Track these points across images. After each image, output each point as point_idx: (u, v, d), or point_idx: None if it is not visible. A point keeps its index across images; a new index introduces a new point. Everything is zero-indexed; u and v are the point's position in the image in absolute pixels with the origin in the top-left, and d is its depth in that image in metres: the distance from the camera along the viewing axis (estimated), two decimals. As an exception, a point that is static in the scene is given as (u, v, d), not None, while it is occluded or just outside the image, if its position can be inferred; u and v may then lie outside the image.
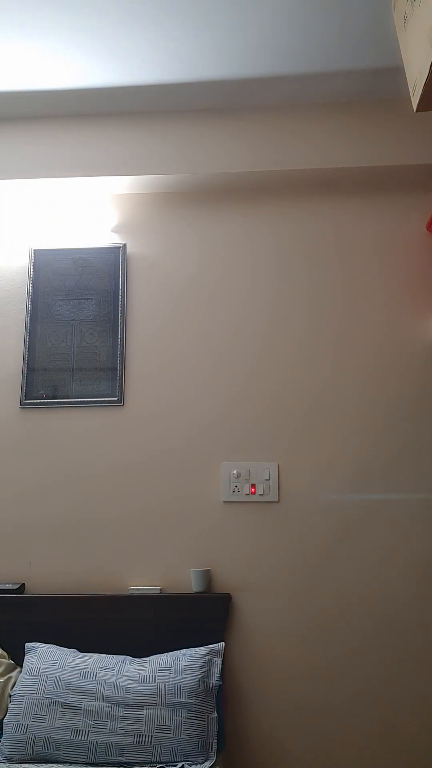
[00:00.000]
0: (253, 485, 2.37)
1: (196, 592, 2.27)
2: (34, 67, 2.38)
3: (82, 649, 2.17)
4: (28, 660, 2.12)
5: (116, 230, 2.67)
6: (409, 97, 1.69)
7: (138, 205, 2.69)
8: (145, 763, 1.87)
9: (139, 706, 1.94)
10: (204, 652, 2.09)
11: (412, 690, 2.19)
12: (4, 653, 2.21)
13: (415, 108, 1.64)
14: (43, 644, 2.17)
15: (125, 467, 2.43)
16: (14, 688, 2.06)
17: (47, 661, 2.08)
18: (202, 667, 2.04)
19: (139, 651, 2.15)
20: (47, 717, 1.94)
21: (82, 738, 1.90)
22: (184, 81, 2.45)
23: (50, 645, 2.17)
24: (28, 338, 2.57)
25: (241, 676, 2.23)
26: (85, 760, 1.88)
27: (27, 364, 2.54)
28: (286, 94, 2.53)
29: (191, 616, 2.23)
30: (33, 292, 2.62)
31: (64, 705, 1.95)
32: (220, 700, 2.05)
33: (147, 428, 2.46)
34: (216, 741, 1.94)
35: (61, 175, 2.57)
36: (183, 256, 2.62)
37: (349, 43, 2.28)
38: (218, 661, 2.09)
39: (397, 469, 2.36)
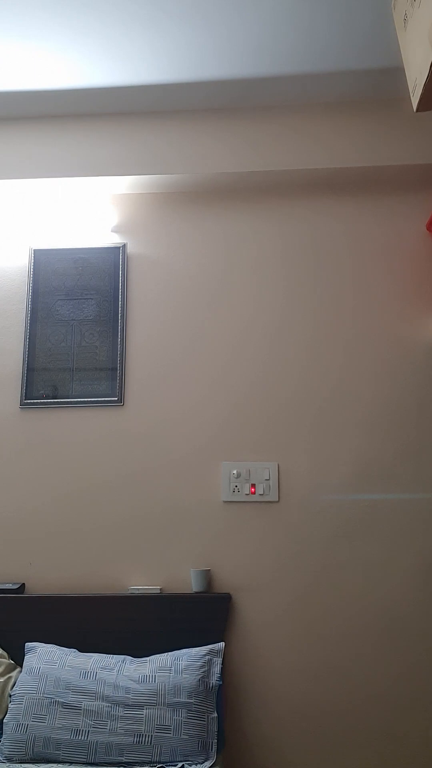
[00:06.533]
0: (253, 485, 2.37)
1: (196, 592, 2.27)
2: (34, 67, 2.38)
3: (82, 649, 2.17)
4: (28, 660, 2.12)
5: (116, 230, 2.68)
6: (409, 97, 1.69)
7: (138, 205, 2.69)
8: (145, 763, 1.87)
9: (139, 706, 1.94)
10: (204, 652, 2.09)
11: (413, 689, 2.19)
12: (4, 653, 2.21)
13: (415, 108, 1.64)
14: (43, 644, 2.17)
15: (125, 467, 2.43)
16: (14, 688, 2.06)
17: (47, 661, 2.08)
18: (202, 667, 2.04)
19: (139, 651, 2.15)
20: (47, 717, 1.94)
21: (82, 738, 1.90)
22: (184, 81, 2.45)
23: (50, 645, 2.17)
24: (28, 338, 2.57)
25: (241, 676, 2.24)
26: (85, 760, 1.88)
27: (27, 364, 2.54)
28: (286, 94, 2.53)
29: (191, 616, 2.23)
30: (33, 292, 2.62)
31: (64, 705, 1.95)
32: (220, 700, 2.05)
33: (147, 428, 2.46)
34: (216, 741, 1.94)
35: (61, 175, 2.57)
36: (183, 256, 2.63)
37: (350, 43, 2.28)
38: (218, 661, 2.09)
39: (397, 469, 2.36)
